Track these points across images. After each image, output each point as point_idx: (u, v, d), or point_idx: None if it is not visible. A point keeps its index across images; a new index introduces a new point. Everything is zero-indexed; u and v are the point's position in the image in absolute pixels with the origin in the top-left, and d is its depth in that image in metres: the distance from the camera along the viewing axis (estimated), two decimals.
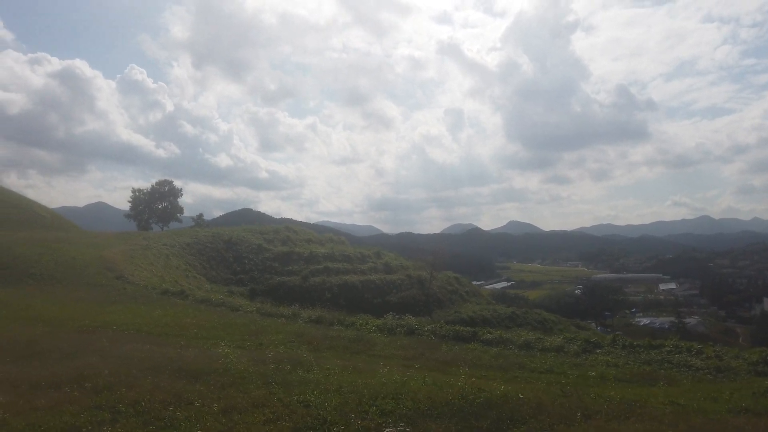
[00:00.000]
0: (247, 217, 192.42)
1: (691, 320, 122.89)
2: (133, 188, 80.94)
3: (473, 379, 11.36)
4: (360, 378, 11.08)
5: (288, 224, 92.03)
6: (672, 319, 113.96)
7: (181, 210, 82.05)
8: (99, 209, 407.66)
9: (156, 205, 79.60)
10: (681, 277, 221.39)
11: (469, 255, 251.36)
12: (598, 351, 15.74)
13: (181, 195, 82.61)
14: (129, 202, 79.38)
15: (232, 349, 13.84)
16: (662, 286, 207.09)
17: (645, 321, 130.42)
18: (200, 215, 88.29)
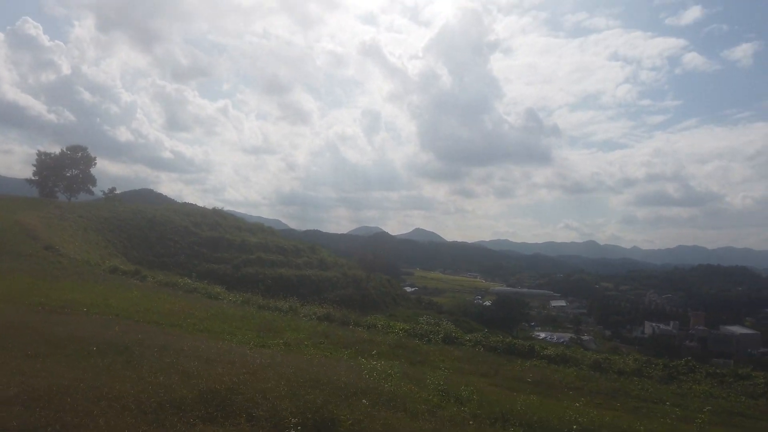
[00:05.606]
0: (148, 198, 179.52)
1: (585, 338, 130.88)
2: (39, 151, 71.94)
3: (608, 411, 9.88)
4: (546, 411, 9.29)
5: (191, 209, 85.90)
6: (570, 335, 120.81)
7: (93, 181, 73.79)
8: None
9: (65, 172, 71.05)
10: (570, 295, 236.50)
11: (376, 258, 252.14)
12: (682, 378, 14.90)
13: (95, 164, 74.52)
14: (33, 165, 70.24)
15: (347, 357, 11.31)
16: (553, 303, 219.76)
17: (543, 335, 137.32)
18: (113, 189, 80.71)
